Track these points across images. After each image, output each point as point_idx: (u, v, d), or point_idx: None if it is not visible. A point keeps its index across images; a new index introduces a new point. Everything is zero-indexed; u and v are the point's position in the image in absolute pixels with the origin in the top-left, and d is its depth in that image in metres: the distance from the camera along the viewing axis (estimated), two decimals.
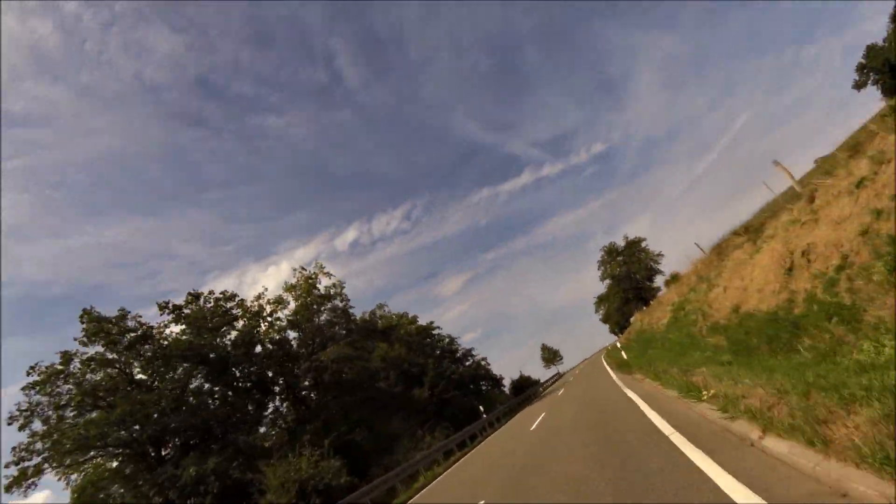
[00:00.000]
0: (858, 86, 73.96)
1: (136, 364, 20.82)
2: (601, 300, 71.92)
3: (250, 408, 23.93)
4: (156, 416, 19.00)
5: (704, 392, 6.61)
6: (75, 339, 19.50)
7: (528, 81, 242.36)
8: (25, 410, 18.37)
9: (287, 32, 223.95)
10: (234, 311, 25.38)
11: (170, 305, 22.64)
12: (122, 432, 18.39)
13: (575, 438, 9.08)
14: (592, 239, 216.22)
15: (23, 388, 18.44)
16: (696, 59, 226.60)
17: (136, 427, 18.54)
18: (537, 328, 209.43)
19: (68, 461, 18.27)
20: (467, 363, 47.93)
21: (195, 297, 23.83)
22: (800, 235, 9.02)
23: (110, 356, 20.07)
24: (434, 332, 48.64)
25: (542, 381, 66.34)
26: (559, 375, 68.95)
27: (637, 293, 66.71)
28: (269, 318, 26.59)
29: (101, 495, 18.13)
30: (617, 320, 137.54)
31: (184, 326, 22.67)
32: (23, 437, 18.25)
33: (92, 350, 19.72)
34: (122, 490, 18.21)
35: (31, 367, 18.61)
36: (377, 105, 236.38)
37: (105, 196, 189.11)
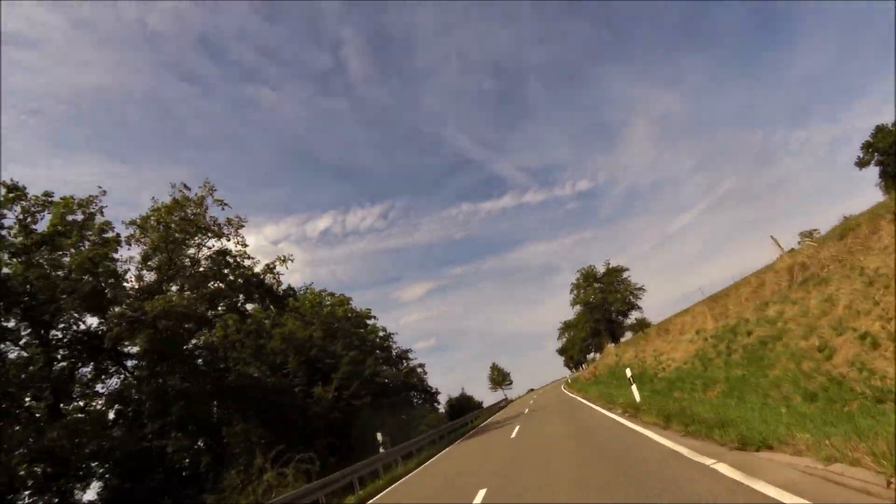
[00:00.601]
0: (862, 163, 69.92)
1: None
2: (568, 327, 64.35)
3: None
4: None
5: None
6: None
7: (527, 109, 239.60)
8: None
9: (300, 10, 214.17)
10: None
11: None
12: None
13: None
14: (559, 273, 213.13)
15: None
16: (692, 120, 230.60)
17: None
18: (489, 350, 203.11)
19: None
20: (401, 366, 38.86)
21: None
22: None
23: None
24: (369, 320, 39.41)
25: (484, 404, 57.83)
26: (506, 401, 60.63)
27: (609, 326, 59.54)
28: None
29: None
30: (573, 354, 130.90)
31: None
32: None
33: None
34: None
35: None
36: (375, 102, 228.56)
37: (81, 133, 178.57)
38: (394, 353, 39.14)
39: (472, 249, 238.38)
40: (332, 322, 34.41)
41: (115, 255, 17.89)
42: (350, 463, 14.26)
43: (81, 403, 18.13)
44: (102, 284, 16.03)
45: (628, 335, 69.35)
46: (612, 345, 52.04)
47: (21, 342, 15.22)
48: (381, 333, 38.88)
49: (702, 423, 6.94)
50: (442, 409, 45.63)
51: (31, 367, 15.02)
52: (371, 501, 11.63)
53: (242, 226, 22.27)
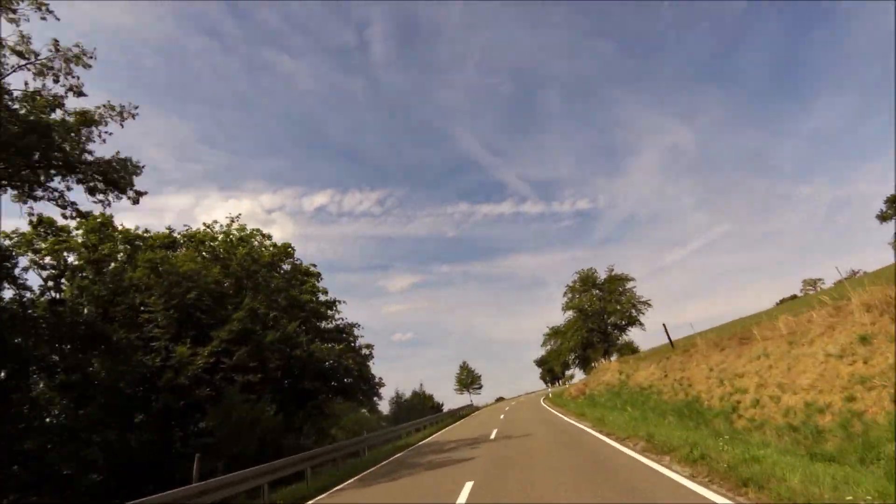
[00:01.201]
0: (884, 217, 63.14)
1: None
2: (555, 334, 55.46)
3: None
4: None
5: None
6: None
7: (539, 119, 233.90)
8: None
9: None
10: None
11: None
12: None
13: None
14: (545, 288, 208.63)
15: None
16: (700, 158, 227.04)
17: None
18: (466, 352, 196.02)
19: None
20: (341, 343, 29.71)
21: None
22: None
23: None
24: (309, 278, 30.14)
25: (445, 407, 48.95)
26: (472, 408, 51.59)
27: (604, 338, 50.87)
28: None
29: None
30: (552, 367, 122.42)
31: None
32: None
33: None
34: None
35: None
36: (391, 88, 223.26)
37: (95, 72, 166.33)
38: (336, 323, 30.05)
39: (463, 250, 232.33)
40: (252, 267, 25.21)
41: None
42: None
43: None
44: None
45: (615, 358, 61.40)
46: (610, 360, 43.34)
47: None
48: (321, 297, 29.72)
49: None
50: (388, 409, 36.76)
51: None
52: None
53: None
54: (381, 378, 37.88)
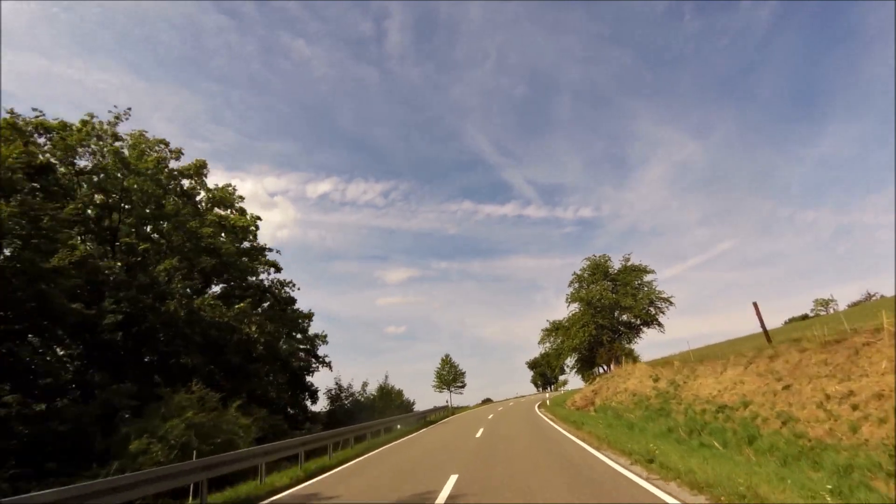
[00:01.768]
0: None
1: None
2: (556, 330, 46.94)
3: None
4: None
5: None
6: None
7: (550, 124, 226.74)
8: None
9: None
10: None
11: None
12: None
13: None
14: (541, 292, 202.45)
15: None
16: (708, 175, 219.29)
17: None
18: (457, 349, 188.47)
19: None
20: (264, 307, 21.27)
21: None
22: None
23: None
24: (227, 210, 21.71)
25: (417, 406, 40.55)
26: (448, 411, 42.79)
27: (615, 337, 42.51)
28: None
29: None
30: (545, 371, 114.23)
31: None
32: None
33: None
34: None
35: None
36: (405, 80, 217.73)
37: (108, 38, 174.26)
38: (262, 279, 21.60)
39: (463, 248, 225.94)
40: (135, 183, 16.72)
41: None
42: None
43: None
44: None
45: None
46: (619, 364, 34.99)
47: None
48: (274, 275, 21.29)
49: None
50: (324, 404, 28.41)
51: None
52: None
53: None
54: (325, 358, 29.60)
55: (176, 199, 19.08)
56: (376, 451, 16.30)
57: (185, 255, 16.67)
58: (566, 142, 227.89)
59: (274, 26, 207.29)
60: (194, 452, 10.07)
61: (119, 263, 13.44)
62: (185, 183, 20.98)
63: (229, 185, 24.13)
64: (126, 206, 16.13)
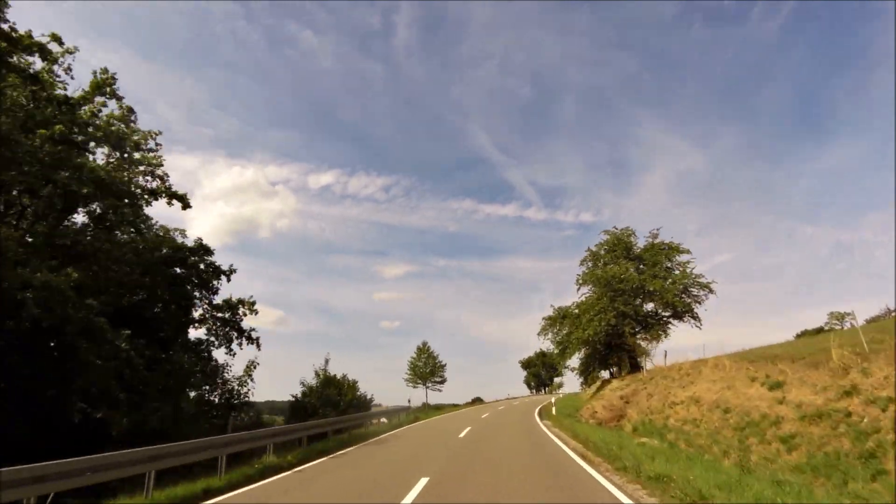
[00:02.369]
0: None
1: None
2: (561, 318, 37.58)
3: None
4: None
5: None
6: None
7: (554, 126, 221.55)
8: None
9: None
10: None
11: None
12: None
13: None
14: (538, 294, 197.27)
15: None
16: (709, 185, 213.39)
17: None
18: (449, 347, 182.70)
19: None
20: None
21: None
22: None
23: None
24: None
25: (373, 401, 31.41)
26: (408, 416, 32.37)
27: (638, 330, 33.35)
28: None
29: None
30: (537, 372, 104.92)
31: None
32: None
33: None
34: None
35: None
36: (410, 76, 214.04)
37: (116, 20, 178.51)
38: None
39: (462, 246, 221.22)
40: None
41: None
42: None
43: None
44: None
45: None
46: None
47: None
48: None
49: None
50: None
51: None
52: None
53: None
54: (251, 332, 21.23)
55: None
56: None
57: None
58: (568, 145, 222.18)
59: (281, 15, 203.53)
60: None
61: None
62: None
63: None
64: None
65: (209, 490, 8.17)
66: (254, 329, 25.09)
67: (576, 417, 20.59)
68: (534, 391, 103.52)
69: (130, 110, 16.37)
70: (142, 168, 16.66)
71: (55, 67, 13.24)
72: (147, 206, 17.12)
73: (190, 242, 20.00)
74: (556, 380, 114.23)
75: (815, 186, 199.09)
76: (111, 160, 16.06)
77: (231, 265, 24.26)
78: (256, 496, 7.84)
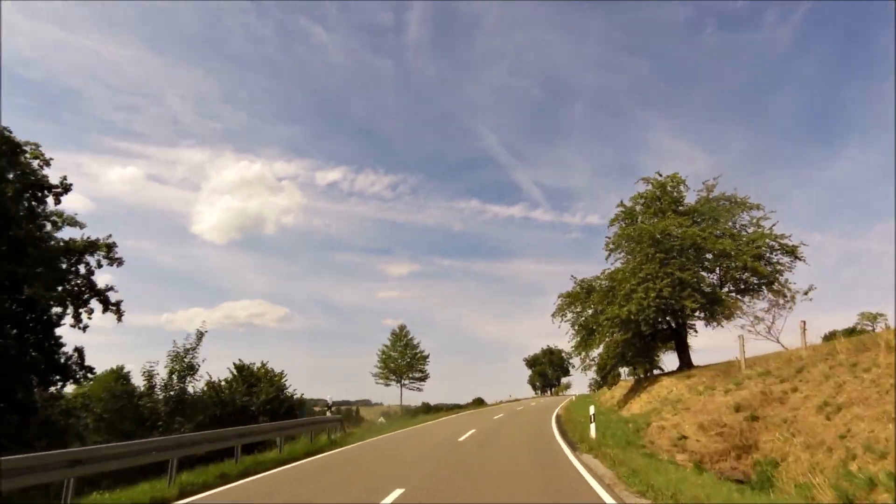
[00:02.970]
0: None
1: None
2: (587, 294, 27.50)
3: None
4: None
5: None
6: None
7: (563, 129, 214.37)
8: None
9: None
10: None
11: None
12: None
13: None
14: (542, 296, 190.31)
15: None
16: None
17: None
18: (452, 346, 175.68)
19: None
20: None
21: None
22: None
23: None
24: None
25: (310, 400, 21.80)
26: (335, 425, 21.90)
27: (707, 305, 23.42)
28: None
29: None
30: (543, 371, 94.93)
31: None
32: None
33: None
34: None
35: None
36: (420, 74, 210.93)
37: (128, 13, 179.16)
38: None
39: (467, 246, 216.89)
40: None
41: None
42: None
43: None
44: None
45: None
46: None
47: None
48: None
49: None
50: None
51: None
52: None
53: None
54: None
55: None
56: None
57: None
58: (577, 147, 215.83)
59: (292, 10, 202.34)
60: None
61: None
62: None
63: None
64: None
65: None
66: (112, 288, 16.01)
67: (641, 446, 10.71)
68: (539, 392, 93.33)
69: None
70: None
71: None
72: None
73: None
74: (564, 380, 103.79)
75: (823, 195, 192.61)
76: None
77: (64, 177, 15.01)
78: None
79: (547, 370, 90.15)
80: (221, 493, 7.82)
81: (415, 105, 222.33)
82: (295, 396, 19.79)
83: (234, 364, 18.15)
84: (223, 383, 17.27)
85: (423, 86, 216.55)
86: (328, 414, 18.11)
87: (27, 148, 15.06)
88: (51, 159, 15.43)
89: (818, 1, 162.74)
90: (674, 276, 21.98)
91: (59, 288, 15.65)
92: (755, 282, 24.14)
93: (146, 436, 12.20)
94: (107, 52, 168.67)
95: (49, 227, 15.50)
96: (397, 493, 6.73)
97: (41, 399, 14.97)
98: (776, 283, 23.56)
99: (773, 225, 24.64)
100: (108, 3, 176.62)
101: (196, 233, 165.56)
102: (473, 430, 17.68)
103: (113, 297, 16.91)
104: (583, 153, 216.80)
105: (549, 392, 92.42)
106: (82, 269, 16.29)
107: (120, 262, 16.79)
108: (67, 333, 15.89)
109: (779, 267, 24.01)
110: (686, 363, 26.07)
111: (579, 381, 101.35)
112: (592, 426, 12.77)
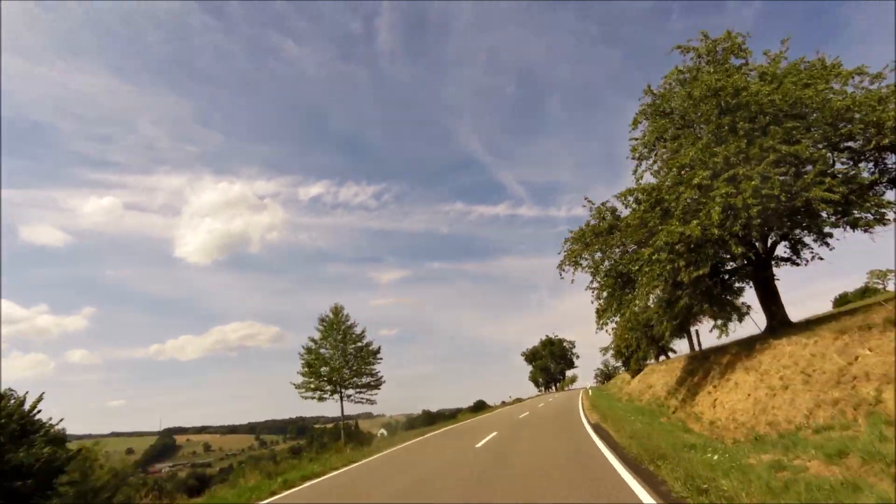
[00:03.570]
0: None
1: None
2: (608, 229, 17.42)
3: None
4: None
5: None
6: None
7: (543, 124, 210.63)
8: None
9: None
10: None
11: None
12: None
13: None
14: (536, 291, 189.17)
15: None
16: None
17: None
18: (450, 351, 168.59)
19: None
20: None
21: None
22: None
23: None
24: None
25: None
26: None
27: (849, 198, 13.50)
28: None
29: None
30: (544, 365, 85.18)
31: None
32: None
33: None
34: None
35: None
36: (395, 80, 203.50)
37: (93, 40, 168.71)
38: None
39: (456, 248, 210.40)
40: None
41: None
42: None
43: None
44: None
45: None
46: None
47: None
48: None
49: None
50: None
51: None
52: None
53: None
54: None
55: None
56: None
57: None
58: (558, 141, 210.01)
59: (260, 25, 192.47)
60: None
61: None
62: None
63: None
64: None
65: None
66: None
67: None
68: (542, 389, 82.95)
69: None
70: None
71: None
72: None
73: None
74: (569, 373, 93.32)
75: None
76: None
77: None
78: None
79: (549, 363, 79.81)
80: None
81: (392, 112, 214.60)
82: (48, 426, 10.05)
83: None
84: None
85: (399, 92, 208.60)
86: None
87: None
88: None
89: None
90: (780, 153, 11.87)
91: None
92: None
93: None
94: (73, 82, 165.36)
95: None
96: None
97: None
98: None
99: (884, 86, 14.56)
100: (70, 29, 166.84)
101: (180, 256, 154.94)
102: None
103: None
104: (564, 147, 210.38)
105: (553, 388, 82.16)
106: None
107: None
108: None
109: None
110: (779, 318, 16.04)
111: (585, 373, 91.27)
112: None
